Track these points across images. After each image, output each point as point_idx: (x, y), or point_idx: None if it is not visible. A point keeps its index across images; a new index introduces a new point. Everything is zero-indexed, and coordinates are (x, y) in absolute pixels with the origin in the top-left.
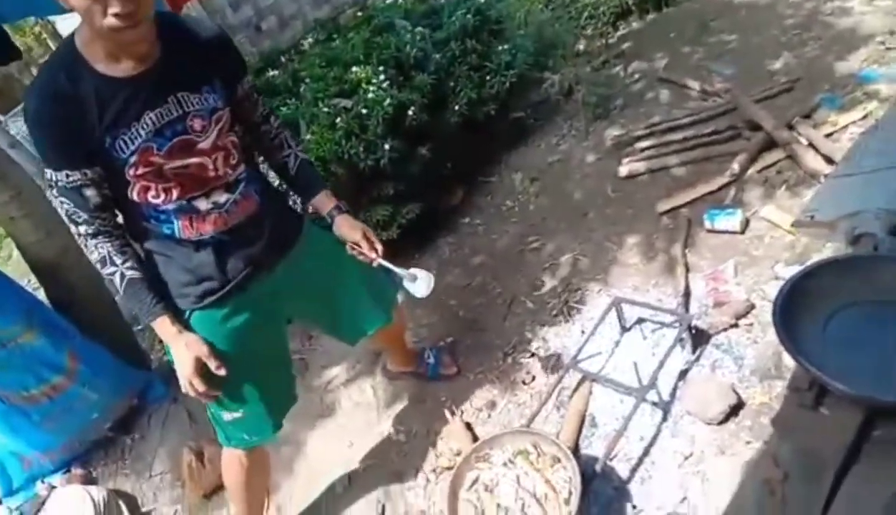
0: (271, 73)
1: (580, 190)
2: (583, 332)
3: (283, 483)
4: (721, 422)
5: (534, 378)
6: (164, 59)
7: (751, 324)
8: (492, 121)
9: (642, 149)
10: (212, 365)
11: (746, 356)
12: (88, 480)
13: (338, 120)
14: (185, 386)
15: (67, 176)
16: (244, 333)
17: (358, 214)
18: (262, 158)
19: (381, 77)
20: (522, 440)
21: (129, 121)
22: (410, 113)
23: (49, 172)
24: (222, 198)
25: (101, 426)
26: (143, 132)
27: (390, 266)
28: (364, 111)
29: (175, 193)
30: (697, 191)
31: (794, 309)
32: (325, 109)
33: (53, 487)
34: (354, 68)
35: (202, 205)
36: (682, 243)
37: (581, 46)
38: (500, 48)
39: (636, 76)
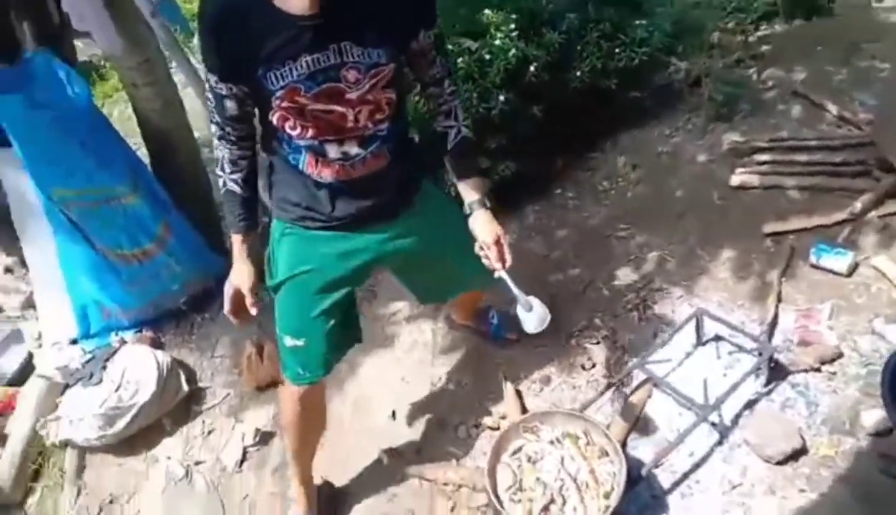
0: None
1: (684, 189)
2: (655, 334)
3: (334, 397)
4: (779, 463)
5: (594, 365)
6: (337, 4)
7: (834, 373)
8: (610, 95)
9: (760, 162)
10: (248, 301)
11: (821, 403)
12: (156, 344)
13: (459, 60)
14: (225, 304)
15: (216, 82)
16: (330, 265)
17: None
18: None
19: (512, 25)
20: (574, 423)
21: (284, 59)
22: (532, 68)
23: (204, 68)
24: (353, 150)
25: (178, 298)
26: (295, 73)
27: (511, 284)
28: (487, 57)
29: (309, 132)
30: (810, 221)
31: None
32: (449, 46)
33: (125, 342)
34: (487, 11)
35: (332, 151)
36: (780, 271)
37: (716, 38)
38: (636, 22)
39: (770, 83)
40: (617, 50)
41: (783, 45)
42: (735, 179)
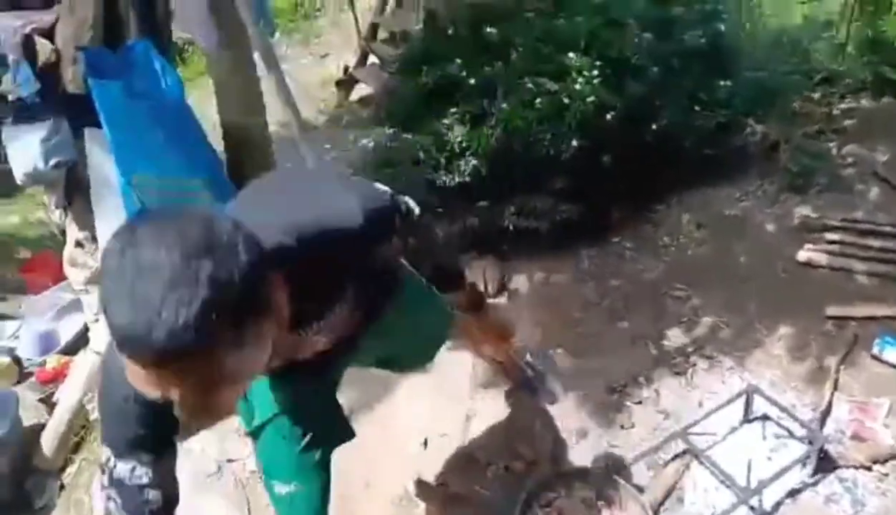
0: (487, 29)
1: (748, 256)
2: (700, 404)
3: (363, 417)
4: None
5: (633, 425)
6: None
7: (886, 474)
8: (683, 151)
9: (830, 241)
10: None
11: (868, 504)
12: None
13: (538, 100)
14: None
15: None
16: None
17: (514, 194)
18: None
19: (595, 71)
20: (609, 485)
21: None
22: (609, 117)
23: None
24: None
25: None
26: None
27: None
28: (566, 100)
29: None
30: (877, 310)
31: None
32: (529, 85)
33: None
34: (571, 54)
35: None
36: (839, 357)
37: (798, 106)
38: (720, 82)
39: (849, 160)
40: (696, 107)
41: (868, 122)
42: (802, 255)
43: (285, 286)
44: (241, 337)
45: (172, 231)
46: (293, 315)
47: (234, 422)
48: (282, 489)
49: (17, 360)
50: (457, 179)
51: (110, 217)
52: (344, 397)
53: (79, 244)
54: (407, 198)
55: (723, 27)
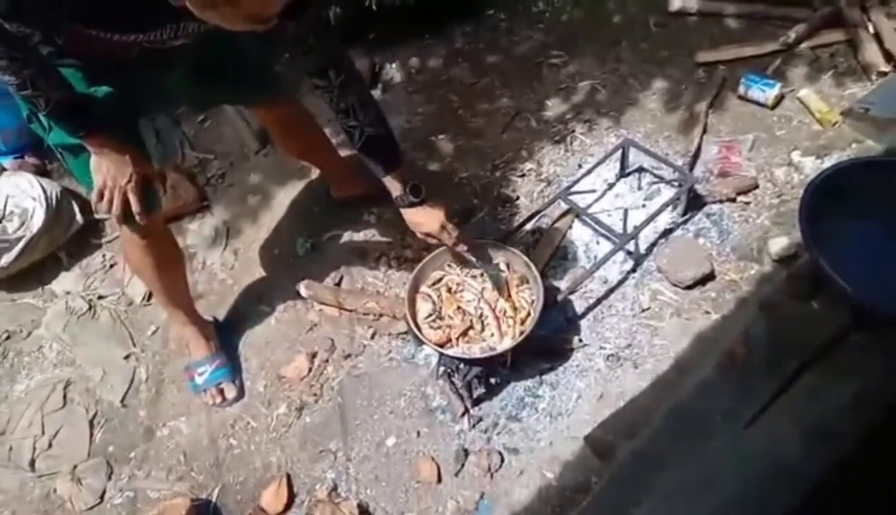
0: None
1: (621, 14)
2: (580, 166)
3: (246, 227)
4: (687, 287)
5: (518, 197)
6: None
7: (748, 203)
8: None
9: None
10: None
11: (733, 232)
12: (42, 171)
13: None
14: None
15: None
16: None
17: None
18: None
19: None
20: (496, 253)
21: None
22: None
23: None
24: None
25: None
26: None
27: (471, 258)
28: None
29: None
30: (743, 51)
31: (822, 200)
32: None
33: (4, 168)
34: None
35: None
36: (708, 101)
37: None
38: None
39: None
40: None
41: None
42: (675, 3)
43: None
44: None
45: None
46: None
47: (97, 261)
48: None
49: None
50: None
51: None
52: (225, 211)
53: None
54: None
55: None
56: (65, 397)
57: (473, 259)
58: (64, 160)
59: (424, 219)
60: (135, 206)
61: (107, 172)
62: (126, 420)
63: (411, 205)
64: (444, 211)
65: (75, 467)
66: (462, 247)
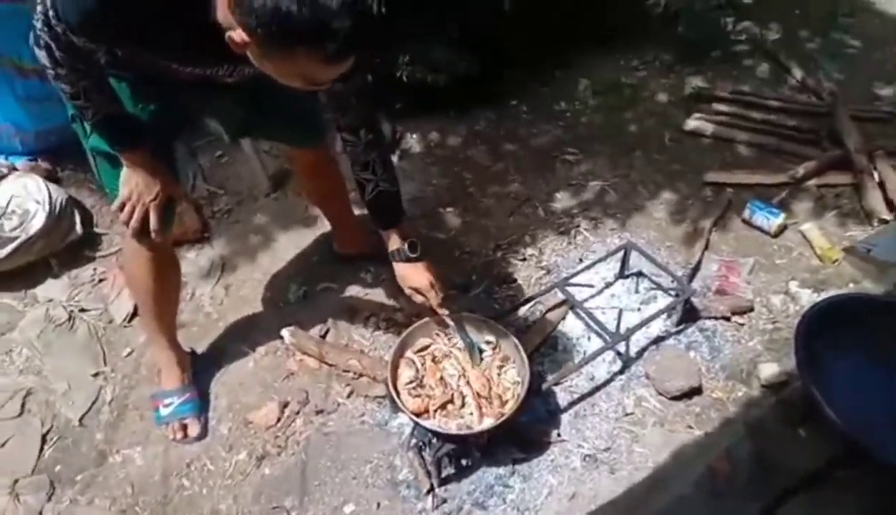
0: None
1: (638, 125)
2: (580, 260)
3: (244, 267)
4: (673, 398)
5: (516, 280)
6: None
7: (742, 324)
8: (586, 14)
9: (717, 112)
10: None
11: (724, 350)
12: (52, 177)
13: None
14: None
15: None
16: None
17: (410, 41)
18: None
19: None
20: (486, 330)
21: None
22: None
23: None
24: None
25: None
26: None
27: (451, 323)
28: None
29: None
30: (751, 178)
31: (818, 329)
32: None
33: (15, 168)
34: None
35: None
36: (713, 220)
37: None
38: None
39: (743, 36)
40: None
41: (764, 1)
42: (690, 123)
43: None
44: None
45: None
46: None
47: (87, 274)
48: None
49: None
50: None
51: None
52: (225, 246)
53: None
54: None
55: None
56: (23, 406)
57: (453, 324)
58: (96, 164)
59: (415, 275)
60: (153, 223)
61: (135, 186)
62: (80, 440)
63: (407, 260)
64: (434, 273)
65: (16, 481)
66: (444, 311)
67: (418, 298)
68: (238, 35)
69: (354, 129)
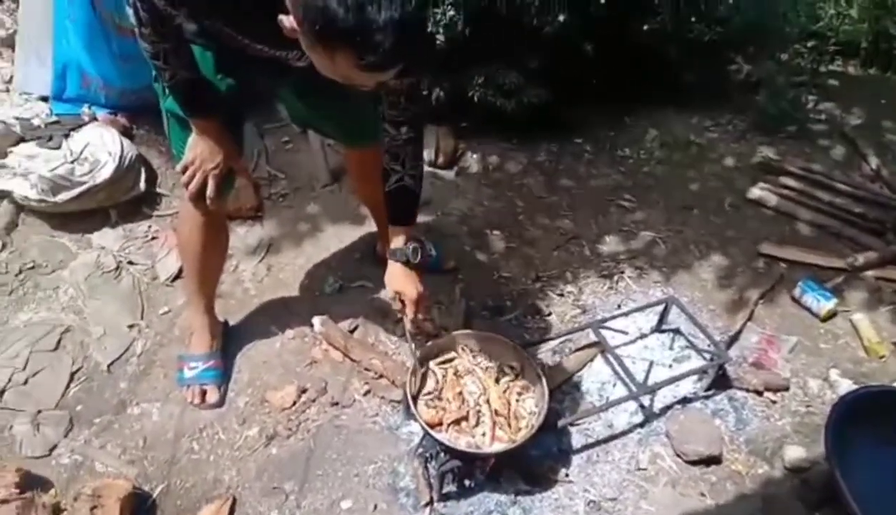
0: None
1: (700, 183)
2: (619, 306)
3: (288, 250)
4: (690, 462)
5: (550, 314)
6: None
7: (774, 402)
8: (665, 66)
9: (783, 185)
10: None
11: (751, 424)
12: (127, 132)
13: None
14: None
15: None
16: None
17: (485, 64)
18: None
19: None
20: (512, 355)
21: None
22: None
23: None
24: None
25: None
26: None
27: (410, 341)
28: None
29: None
30: (808, 257)
31: (852, 416)
32: None
33: (95, 118)
34: None
35: None
36: (761, 292)
37: (790, 54)
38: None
39: (823, 117)
40: (692, 18)
41: (848, 86)
42: (754, 192)
43: None
44: None
45: None
46: None
47: (142, 230)
48: None
49: None
50: (429, 29)
51: None
52: (274, 228)
53: None
54: None
55: None
56: (59, 342)
57: (413, 345)
58: (168, 125)
59: (405, 280)
60: (210, 191)
61: (199, 153)
62: (105, 385)
63: (405, 262)
64: (424, 287)
65: (39, 411)
66: (409, 326)
67: (397, 304)
68: (289, 20)
69: (397, 125)
